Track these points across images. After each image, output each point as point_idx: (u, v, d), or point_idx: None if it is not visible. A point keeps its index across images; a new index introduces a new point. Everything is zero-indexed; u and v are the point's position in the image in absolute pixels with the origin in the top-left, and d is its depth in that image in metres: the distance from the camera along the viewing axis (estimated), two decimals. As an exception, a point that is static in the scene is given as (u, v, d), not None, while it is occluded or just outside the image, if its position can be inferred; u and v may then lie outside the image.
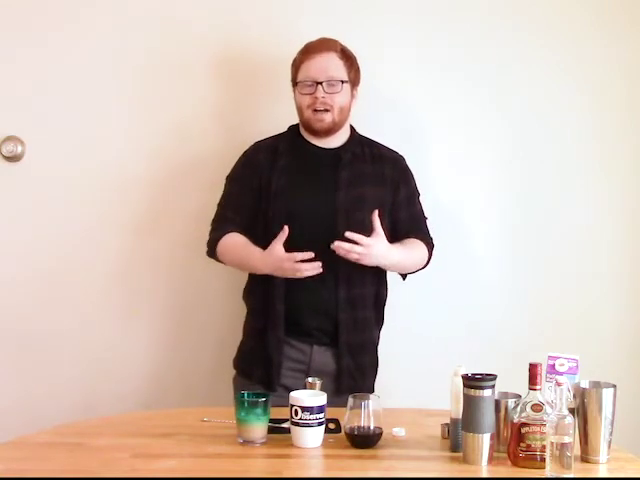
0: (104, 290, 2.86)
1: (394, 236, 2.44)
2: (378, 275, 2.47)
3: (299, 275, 2.27)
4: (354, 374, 2.41)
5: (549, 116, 2.84)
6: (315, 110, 2.40)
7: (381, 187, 2.46)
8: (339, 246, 2.26)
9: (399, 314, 2.75)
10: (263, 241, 2.35)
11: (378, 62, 2.78)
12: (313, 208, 2.39)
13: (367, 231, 2.36)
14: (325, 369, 2.37)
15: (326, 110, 2.39)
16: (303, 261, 2.25)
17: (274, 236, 2.30)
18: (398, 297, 2.70)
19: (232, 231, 2.43)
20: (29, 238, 2.84)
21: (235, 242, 2.42)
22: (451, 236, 2.81)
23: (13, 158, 2.82)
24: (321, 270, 2.26)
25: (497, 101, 2.83)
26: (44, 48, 2.81)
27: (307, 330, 2.39)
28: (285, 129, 2.55)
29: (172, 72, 2.81)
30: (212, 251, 2.48)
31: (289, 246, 2.30)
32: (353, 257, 2.28)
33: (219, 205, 2.52)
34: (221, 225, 2.47)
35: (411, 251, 2.46)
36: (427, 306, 2.84)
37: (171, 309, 2.86)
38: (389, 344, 2.63)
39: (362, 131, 2.56)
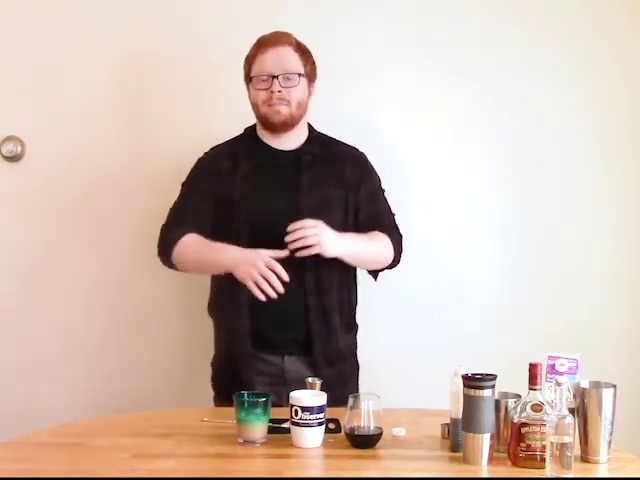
0: (103, 290, 2.86)
1: None
2: (346, 279, 2.42)
3: (253, 283, 2.19)
4: (336, 383, 2.25)
5: (549, 116, 2.84)
6: (271, 105, 2.32)
7: (343, 188, 2.39)
8: (292, 239, 2.20)
9: (399, 314, 2.76)
10: None
11: (378, 62, 2.79)
12: (277, 214, 2.31)
13: None
14: (302, 378, 2.12)
15: (282, 104, 2.32)
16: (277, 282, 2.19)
17: (240, 246, 2.26)
18: (398, 297, 2.70)
19: (192, 232, 2.35)
20: (29, 238, 2.85)
21: (199, 239, 2.34)
22: (451, 236, 2.82)
23: (13, 158, 2.82)
24: (275, 295, 2.19)
25: (497, 101, 2.83)
26: (44, 48, 2.81)
27: (276, 342, 2.33)
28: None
29: (171, 71, 2.82)
30: (168, 250, 2.37)
31: None
32: (312, 241, 2.20)
33: (174, 210, 2.43)
34: (179, 227, 2.37)
35: (370, 240, 2.36)
36: (427, 306, 2.83)
37: (171, 308, 2.87)
38: (389, 344, 2.63)
39: (361, 131, 2.56)
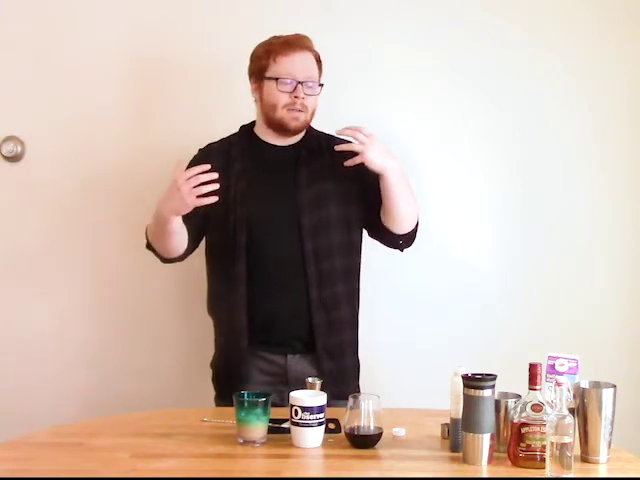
0: (104, 289, 2.87)
1: (375, 219, 2.35)
2: (348, 272, 2.38)
3: (194, 199, 2.10)
4: (337, 379, 2.29)
5: (549, 116, 2.84)
6: (291, 110, 2.30)
7: (344, 180, 2.34)
8: (344, 132, 2.26)
9: (399, 314, 2.76)
10: (226, 248, 2.28)
11: (378, 62, 2.79)
12: (275, 209, 2.31)
13: (332, 229, 2.31)
14: (305, 377, 2.09)
15: (300, 110, 2.30)
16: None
17: (237, 243, 2.25)
18: (398, 297, 2.69)
19: None
20: (29, 238, 2.85)
21: None
22: (451, 236, 2.82)
23: (13, 158, 2.83)
24: (218, 185, 2.10)
25: (497, 101, 2.83)
26: (44, 49, 2.81)
27: (279, 339, 2.32)
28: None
29: (171, 71, 2.82)
30: (145, 235, 2.37)
31: (256, 249, 2.27)
32: (355, 148, 2.24)
33: None
34: None
35: (407, 184, 2.32)
36: (427, 306, 2.83)
37: (172, 308, 2.87)
38: (389, 344, 2.62)
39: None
